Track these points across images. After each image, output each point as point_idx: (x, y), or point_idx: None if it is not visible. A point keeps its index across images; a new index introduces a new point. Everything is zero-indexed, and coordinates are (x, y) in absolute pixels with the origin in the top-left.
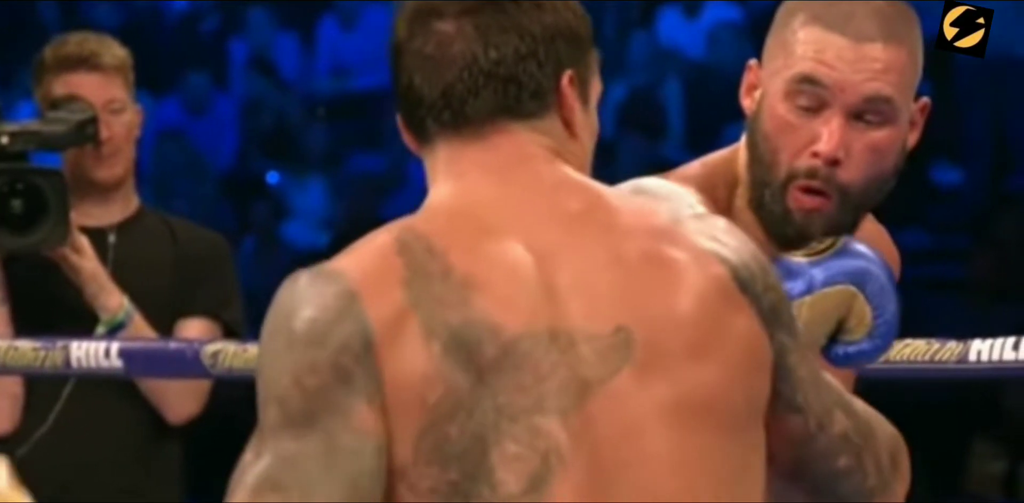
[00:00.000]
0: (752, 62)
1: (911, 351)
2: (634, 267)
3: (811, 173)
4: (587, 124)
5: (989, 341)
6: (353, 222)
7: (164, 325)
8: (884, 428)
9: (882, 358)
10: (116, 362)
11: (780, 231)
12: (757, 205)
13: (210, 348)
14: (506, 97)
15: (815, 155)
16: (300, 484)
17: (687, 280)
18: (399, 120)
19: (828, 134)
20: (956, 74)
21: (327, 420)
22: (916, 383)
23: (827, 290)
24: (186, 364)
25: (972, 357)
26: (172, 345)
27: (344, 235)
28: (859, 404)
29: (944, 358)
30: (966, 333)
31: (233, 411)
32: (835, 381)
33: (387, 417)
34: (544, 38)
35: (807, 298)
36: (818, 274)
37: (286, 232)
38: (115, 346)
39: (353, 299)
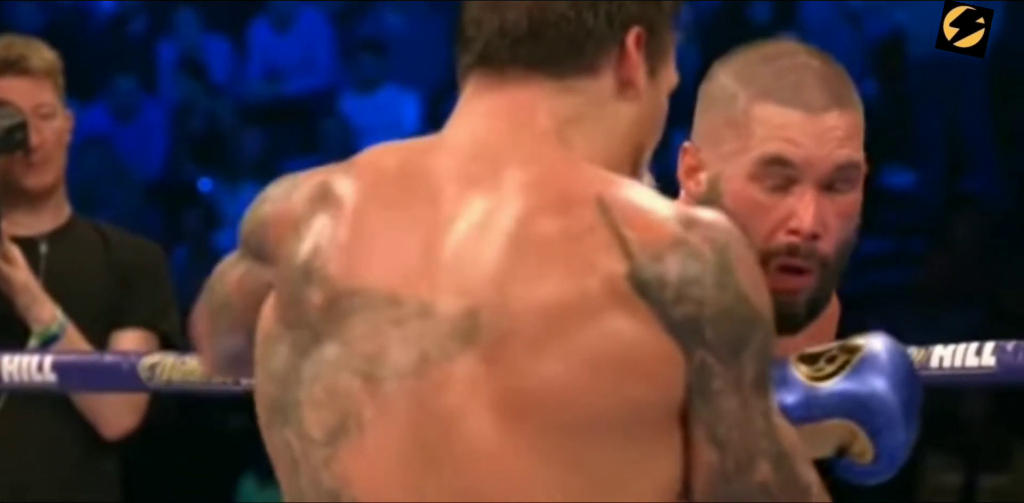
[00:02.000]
0: (687, 144)
1: None
2: (524, 247)
3: (792, 250)
4: (652, 102)
5: (951, 347)
6: None
7: (99, 337)
8: None
9: None
10: (49, 376)
11: None
12: None
13: (147, 361)
14: (571, 42)
15: (793, 232)
16: (210, 296)
17: (572, 270)
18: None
19: (804, 209)
20: (906, 73)
21: (236, 266)
22: None
23: (822, 425)
24: (122, 377)
25: (934, 363)
26: (107, 358)
27: None
28: (807, 474)
29: None
30: (923, 338)
31: (169, 423)
32: (793, 437)
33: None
34: None
35: (804, 427)
36: (818, 401)
37: (219, 241)
38: (48, 359)
39: (266, 221)
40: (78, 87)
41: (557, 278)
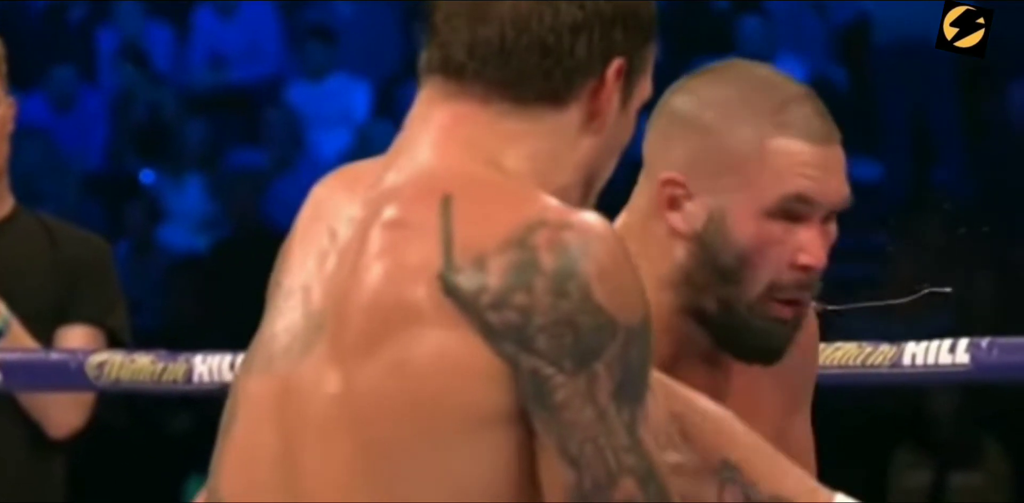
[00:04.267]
0: (671, 174)
1: (842, 355)
2: (370, 248)
3: (800, 286)
4: (618, 129)
5: (924, 344)
6: (235, 223)
7: (44, 333)
8: None
9: None
10: None
11: (748, 343)
12: (713, 317)
13: (95, 359)
14: (542, 70)
15: (804, 268)
16: None
17: (400, 272)
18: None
19: (815, 245)
20: (872, 61)
21: None
22: (836, 389)
23: None
24: (69, 376)
25: (906, 361)
26: (53, 356)
27: (225, 237)
28: (675, 495)
29: (877, 362)
30: (888, 338)
31: (116, 423)
32: (654, 453)
33: None
34: (604, 15)
35: None
36: None
37: (163, 235)
38: None
39: None
40: (15, 76)
41: (385, 281)
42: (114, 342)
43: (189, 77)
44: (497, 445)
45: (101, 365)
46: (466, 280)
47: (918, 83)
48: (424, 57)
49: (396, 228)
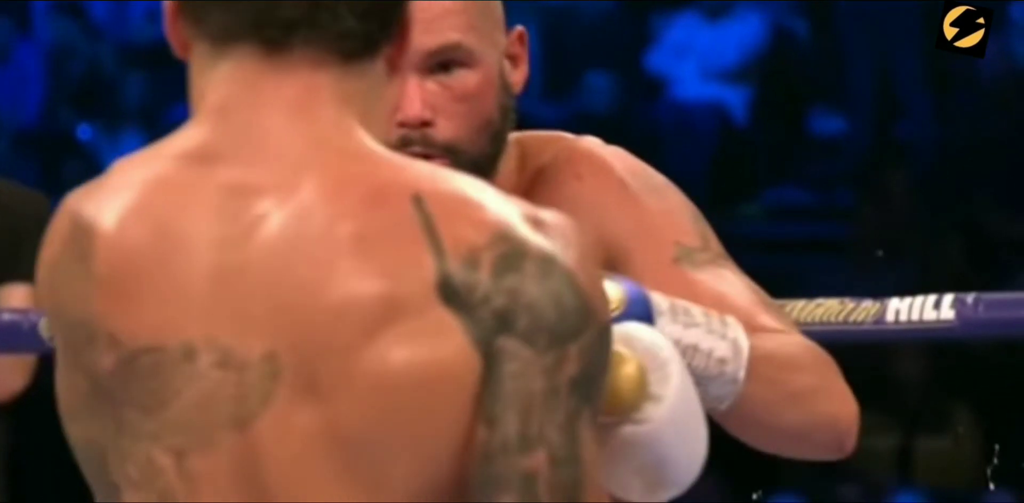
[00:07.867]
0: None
1: (823, 311)
2: (324, 265)
3: (406, 141)
4: None
5: (908, 300)
6: None
7: None
8: None
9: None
10: None
11: None
12: None
13: None
14: (370, 18)
15: (402, 125)
16: None
17: (378, 284)
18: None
19: (405, 98)
20: (836, 13)
21: None
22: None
23: None
24: (20, 337)
25: (890, 317)
26: (5, 316)
27: None
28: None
29: (859, 319)
30: (853, 297)
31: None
32: (597, 464)
33: None
34: None
35: None
36: None
37: None
38: None
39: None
40: None
41: (361, 298)
42: None
43: (128, 30)
44: None
45: None
46: (462, 281)
47: (883, 35)
48: (218, 20)
49: (364, 241)
